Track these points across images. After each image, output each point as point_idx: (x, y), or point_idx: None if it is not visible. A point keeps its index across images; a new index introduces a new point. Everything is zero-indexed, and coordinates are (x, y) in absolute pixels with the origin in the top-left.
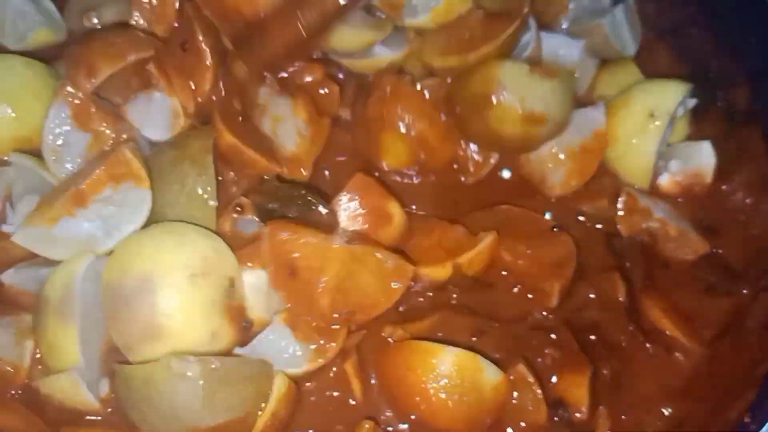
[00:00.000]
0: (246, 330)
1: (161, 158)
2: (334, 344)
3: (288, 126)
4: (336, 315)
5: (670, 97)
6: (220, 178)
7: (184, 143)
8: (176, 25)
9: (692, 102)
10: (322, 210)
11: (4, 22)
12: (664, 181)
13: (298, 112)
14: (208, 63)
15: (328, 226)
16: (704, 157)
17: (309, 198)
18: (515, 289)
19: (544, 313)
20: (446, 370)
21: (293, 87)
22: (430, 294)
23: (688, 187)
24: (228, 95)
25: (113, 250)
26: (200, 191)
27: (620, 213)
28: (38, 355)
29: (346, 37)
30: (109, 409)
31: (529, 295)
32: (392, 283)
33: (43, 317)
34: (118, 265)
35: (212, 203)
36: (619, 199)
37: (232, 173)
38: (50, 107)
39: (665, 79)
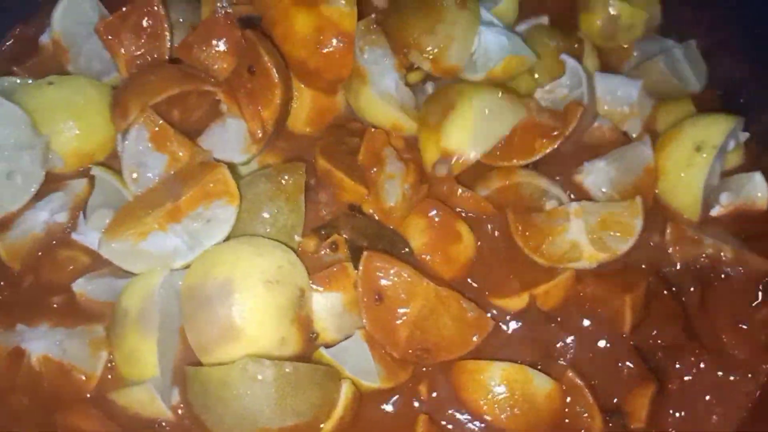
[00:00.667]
0: (311, 341)
1: (255, 188)
2: (404, 373)
3: (395, 185)
4: (410, 351)
5: (717, 130)
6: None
7: (279, 178)
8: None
9: (744, 135)
10: (407, 250)
11: None
12: (716, 213)
13: (408, 177)
14: (275, 80)
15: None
16: (756, 187)
17: (395, 238)
18: (586, 322)
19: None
20: (497, 385)
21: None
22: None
23: (740, 221)
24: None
25: (195, 258)
26: (290, 225)
27: (669, 244)
28: (110, 365)
29: None
30: (180, 413)
31: (600, 324)
32: (472, 336)
33: (120, 328)
34: (200, 269)
35: (297, 238)
36: (667, 231)
37: (323, 195)
38: (131, 128)
39: (715, 114)
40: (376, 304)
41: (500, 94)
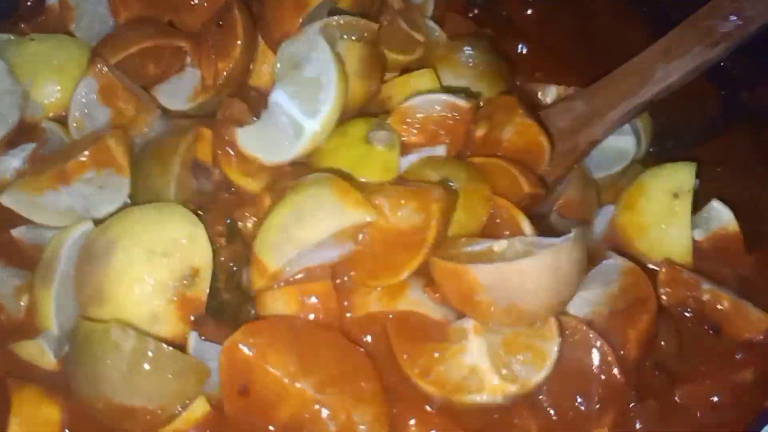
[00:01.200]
0: (194, 325)
1: (143, 152)
2: None
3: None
4: None
5: (686, 174)
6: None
7: (161, 140)
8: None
9: (696, 182)
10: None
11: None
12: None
13: None
14: (238, 34)
15: None
16: (720, 213)
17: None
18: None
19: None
20: None
21: None
22: None
23: (723, 249)
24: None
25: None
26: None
27: (661, 285)
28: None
29: None
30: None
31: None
32: None
33: (33, 277)
34: (102, 227)
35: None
36: (661, 271)
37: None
38: (80, 80)
39: (668, 163)
40: (241, 397)
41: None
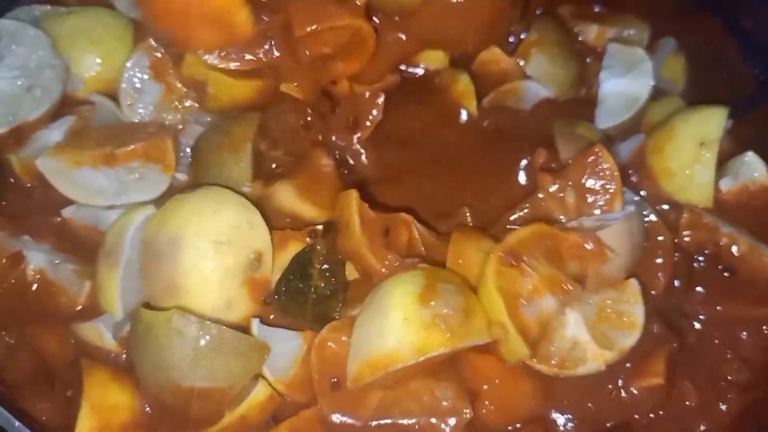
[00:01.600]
0: (267, 305)
1: (205, 143)
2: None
3: None
4: None
5: (714, 123)
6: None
7: (227, 129)
8: None
9: (729, 122)
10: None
11: None
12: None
13: None
14: None
15: None
16: (752, 166)
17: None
18: None
19: None
20: None
21: None
22: None
23: (747, 202)
24: None
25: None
26: (236, 177)
27: (682, 228)
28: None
29: None
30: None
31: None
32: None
33: (97, 259)
34: (158, 220)
35: (246, 189)
36: (683, 216)
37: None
38: (132, 55)
39: (702, 107)
40: (333, 390)
41: None
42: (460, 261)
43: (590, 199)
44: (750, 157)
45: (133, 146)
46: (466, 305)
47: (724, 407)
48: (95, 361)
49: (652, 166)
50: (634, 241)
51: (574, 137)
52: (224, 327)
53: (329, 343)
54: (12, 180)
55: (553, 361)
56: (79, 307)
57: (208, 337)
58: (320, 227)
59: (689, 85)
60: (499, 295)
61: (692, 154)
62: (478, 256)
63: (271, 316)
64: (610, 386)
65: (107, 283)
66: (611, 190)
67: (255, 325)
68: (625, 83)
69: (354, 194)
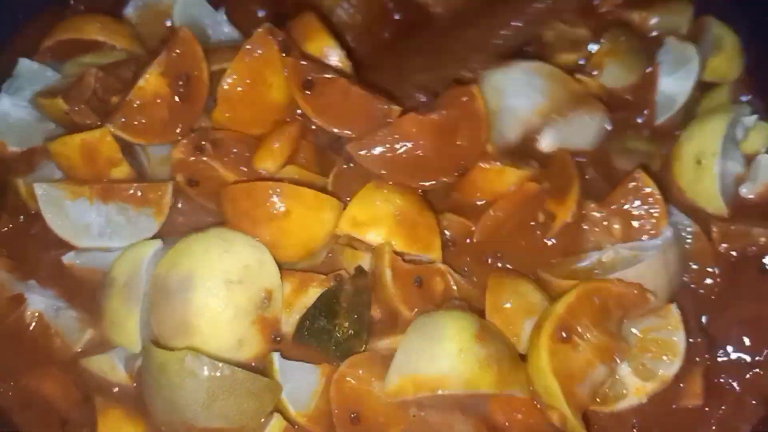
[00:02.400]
0: (276, 343)
1: None
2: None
3: None
4: None
5: (712, 137)
6: None
7: None
8: None
9: (752, 119)
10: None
11: None
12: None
13: None
14: None
15: None
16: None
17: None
18: None
19: None
20: None
21: None
22: None
23: None
24: None
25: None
26: None
27: (717, 242)
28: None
29: None
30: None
31: None
32: None
33: (108, 296)
34: (169, 259)
35: None
36: (713, 231)
37: None
38: None
39: (709, 116)
40: (353, 424)
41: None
42: (501, 305)
43: (636, 224)
44: (764, 159)
45: (133, 187)
46: (512, 356)
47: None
48: (108, 400)
49: (674, 182)
50: (671, 270)
51: (627, 153)
52: (237, 368)
53: (348, 378)
54: (18, 205)
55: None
56: (78, 350)
57: (221, 378)
58: (350, 272)
59: (746, 70)
60: (556, 380)
61: (692, 171)
62: (517, 300)
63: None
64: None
65: (126, 318)
66: (656, 214)
67: (276, 359)
68: (671, 82)
69: (387, 248)
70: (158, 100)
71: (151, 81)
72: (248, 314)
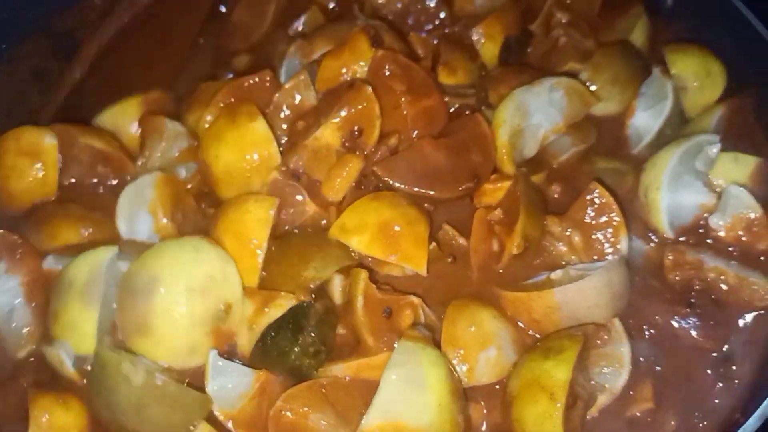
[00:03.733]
0: (229, 353)
1: None
2: None
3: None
4: None
5: (657, 169)
6: None
7: None
8: None
9: (714, 149)
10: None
11: None
12: (722, 234)
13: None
14: None
15: None
16: (738, 200)
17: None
18: None
19: None
20: None
21: None
22: None
23: (748, 240)
24: None
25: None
26: None
27: (668, 271)
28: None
29: None
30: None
31: None
32: None
33: (63, 297)
34: (142, 259)
35: None
36: (667, 257)
37: None
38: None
39: (660, 151)
40: None
41: None
42: (457, 336)
43: (596, 236)
44: (733, 189)
45: None
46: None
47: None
48: (40, 389)
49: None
50: (614, 291)
51: (599, 172)
52: (170, 380)
53: (285, 413)
54: None
55: None
56: (20, 358)
57: (152, 388)
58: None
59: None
60: None
61: (644, 202)
62: (473, 330)
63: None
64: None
65: (83, 320)
66: (614, 224)
67: (212, 356)
68: (645, 117)
69: (363, 274)
70: (326, 150)
71: (327, 134)
72: (205, 323)
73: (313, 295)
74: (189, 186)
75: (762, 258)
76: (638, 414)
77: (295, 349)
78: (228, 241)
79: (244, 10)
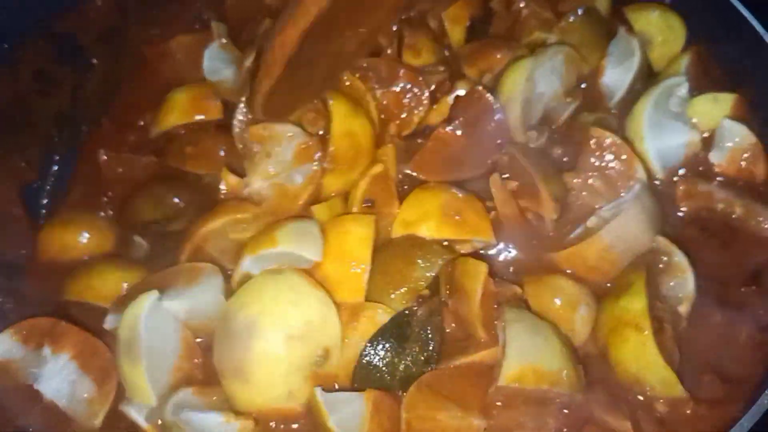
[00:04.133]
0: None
1: None
2: None
3: None
4: None
5: (635, 121)
6: None
7: None
8: None
9: (683, 89)
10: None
11: None
12: (720, 170)
13: None
14: None
15: None
16: (733, 133)
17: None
18: None
19: None
20: None
21: None
22: None
23: (746, 171)
24: None
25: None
26: None
27: (680, 200)
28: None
29: None
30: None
31: None
32: None
33: (117, 357)
34: (241, 298)
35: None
36: (679, 187)
37: None
38: None
39: (634, 106)
40: None
41: None
42: (549, 306)
43: (613, 174)
44: (726, 123)
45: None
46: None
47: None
48: None
49: None
50: (650, 213)
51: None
52: None
53: (414, 422)
54: None
55: None
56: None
57: None
58: (426, 292)
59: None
60: (671, 369)
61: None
62: (562, 297)
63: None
64: None
65: (134, 378)
66: (623, 157)
67: (319, 394)
68: (614, 74)
69: (482, 267)
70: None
71: None
72: (302, 370)
73: (420, 299)
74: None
75: (762, 189)
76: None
77: (406, 359)
78: (330, 266)
79: None
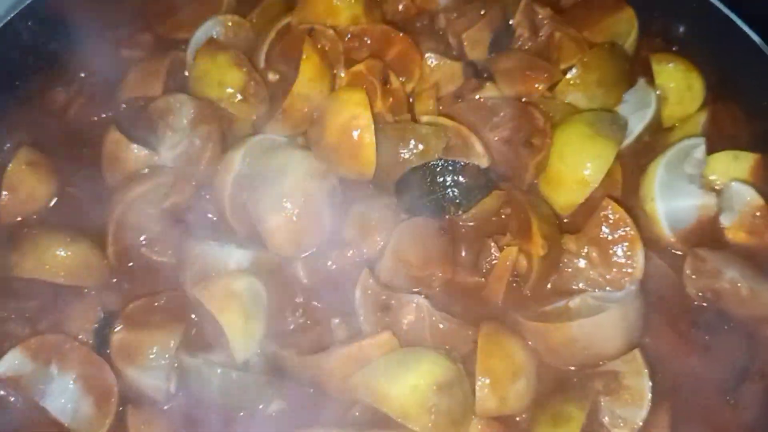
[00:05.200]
0: None
1: None
2: None
3: None
4: None
5: (647, 183)
6: None
7: None
8: None
9: (700, 150)
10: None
11: None
12: (731, 236)
13: None
14: None
15: None
16: (742, 195)
17: None
18: None
19: None
20: None
21: None
22: None
23: (757, 234)
24: None
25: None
26: None
27: (687, 278)
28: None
29: None
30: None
31: None
32: None
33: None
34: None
35: None
36: (686, 263)
37: None
38: None
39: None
40: None
41: None
42: (491, 367)
43: (612, 250)
44: (735, 186)
45: None
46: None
47: None
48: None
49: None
50: (629, 323)
51: None
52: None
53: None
54: None
55: None
56: None
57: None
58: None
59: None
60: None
61: (644, 215)
62: (506, 362)
63: None
64: None
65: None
66: (629, 237)
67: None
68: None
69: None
70: None
71: None
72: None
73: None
74: None
75: None
76: None
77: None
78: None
79: None
